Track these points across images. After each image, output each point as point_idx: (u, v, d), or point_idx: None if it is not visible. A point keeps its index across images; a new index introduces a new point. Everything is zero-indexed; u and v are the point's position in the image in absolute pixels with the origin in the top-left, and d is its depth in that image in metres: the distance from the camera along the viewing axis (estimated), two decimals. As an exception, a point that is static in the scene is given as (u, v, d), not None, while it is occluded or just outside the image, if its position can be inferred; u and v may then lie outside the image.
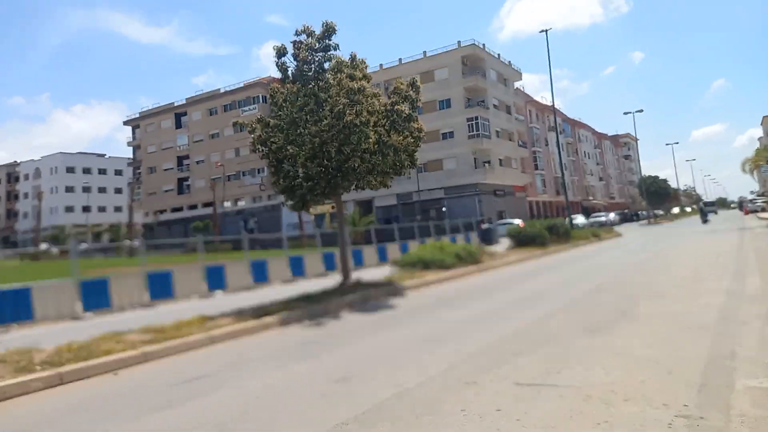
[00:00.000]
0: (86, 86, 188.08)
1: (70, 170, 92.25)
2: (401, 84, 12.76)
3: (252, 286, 15.99)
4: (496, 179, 58.49)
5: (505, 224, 48.15)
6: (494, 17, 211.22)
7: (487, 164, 57.70)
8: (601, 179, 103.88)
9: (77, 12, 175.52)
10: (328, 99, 11.72)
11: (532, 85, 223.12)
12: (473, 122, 56.75)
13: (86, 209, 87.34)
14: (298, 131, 11.86)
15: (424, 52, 59.92)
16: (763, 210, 59.21)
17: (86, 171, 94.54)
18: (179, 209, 78.13)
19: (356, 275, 13.76)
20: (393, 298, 11.48)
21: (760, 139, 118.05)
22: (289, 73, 12.15)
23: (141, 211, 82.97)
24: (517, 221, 50.13)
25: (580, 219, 53.60)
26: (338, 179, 12.01)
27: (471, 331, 7.39)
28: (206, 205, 73.87)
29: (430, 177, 57.87)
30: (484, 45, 59.50)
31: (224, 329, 8.13)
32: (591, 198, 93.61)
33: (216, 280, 15.75)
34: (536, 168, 72.25)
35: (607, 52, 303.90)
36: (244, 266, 16.73)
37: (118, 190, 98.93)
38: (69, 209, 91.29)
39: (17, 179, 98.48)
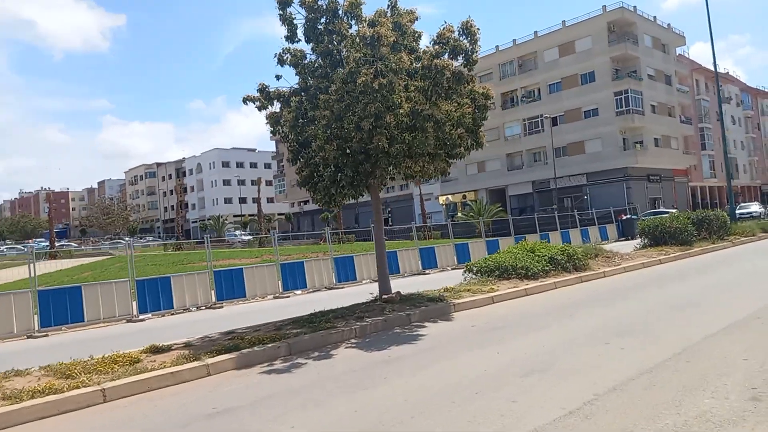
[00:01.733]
0: (252, 88, 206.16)
1: (226, 164, 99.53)
2: (449, 30, 9.33)
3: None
4: (651, 162, 50.75)
5: (655, 214, 41.35)
6: None
7: (638, 145, 50.24)
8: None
9: (246, 21, 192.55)
10: (343, 57, 8.99)
11: (705, 56, 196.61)
12: (622, 96, 49.58)
13: (242, 200, 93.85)
14: (315, 103, 9.31)
15: (563, 22, 53.73)
16: None
17: (239, 165, 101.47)
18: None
19: (422, 279, 11.05)
20: (430, 323, 8.50)
21: None
22: (299, 29, 9.52)
23: (287, 202, 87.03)
24: (673, 211, 42.77)
25: (754, 207, 44.46)
26: (366, 166, 9.23)
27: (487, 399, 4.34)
28: (341, 195, 74.88)
29: (569, 161, 51.92)
30: (635, 7, 51.68)
31: (127, 380, 5.85)
32: (776, 182, 78.70)
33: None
34: (703, 148, 61.86)
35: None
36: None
37: (269, 183, 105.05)
38: (228, 200, 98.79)
39: (184, 174, 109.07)
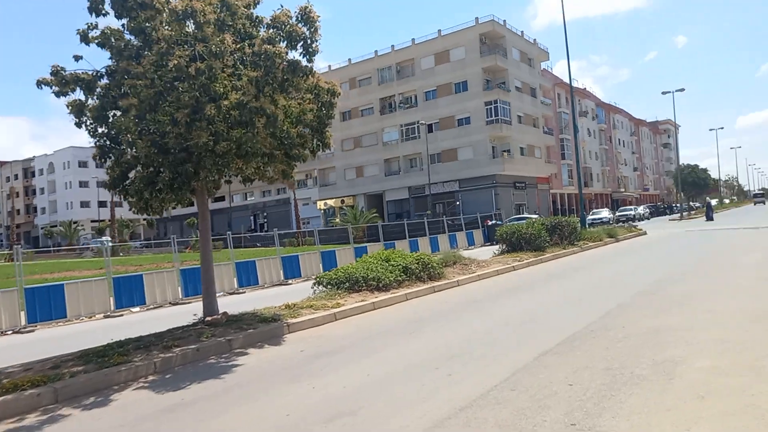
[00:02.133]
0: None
1: (83, 164, 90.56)
2: (285, 15, 8.25)
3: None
4: (517, 170, 53.55)
5: (519, 220, 43.51)
6: (528, 4, 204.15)
7: (506, 153, 52.80)
8: (635, 169, 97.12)
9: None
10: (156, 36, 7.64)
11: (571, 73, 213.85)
12: (492, 106, 51.82)
13: (102, 204, 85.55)
14: (123, 90, 7.87)
15: (439, 31, 55.19)
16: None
17: (99, 166, 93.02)
18: (191, 204, 75.50)
19: (281, 291, 9.79)
20: (254, 350, 7.40)
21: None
22: (106, 3, 8.03)
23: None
24: (534, 217, 45.32)
25: (604, 213, 48.45)
26: (188, 166, 7.94)
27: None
28: (217, 199, 70.91)
29: (443, 168, 53.34)
30: (504, 21, 54.36)
31: None
32: (623, 189, 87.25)
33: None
34: (563, 157, 66.75)
35: (649, 36, 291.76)
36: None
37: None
38: (84, 204, 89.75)
39: (33, 174, 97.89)
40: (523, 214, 54.44)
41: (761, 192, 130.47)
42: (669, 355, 5.56)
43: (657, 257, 16.95)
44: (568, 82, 67.04)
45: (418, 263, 12.13)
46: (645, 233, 27.46)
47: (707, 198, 49.99)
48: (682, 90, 45.99)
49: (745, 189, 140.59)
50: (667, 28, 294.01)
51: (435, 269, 12.31)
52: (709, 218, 40.18)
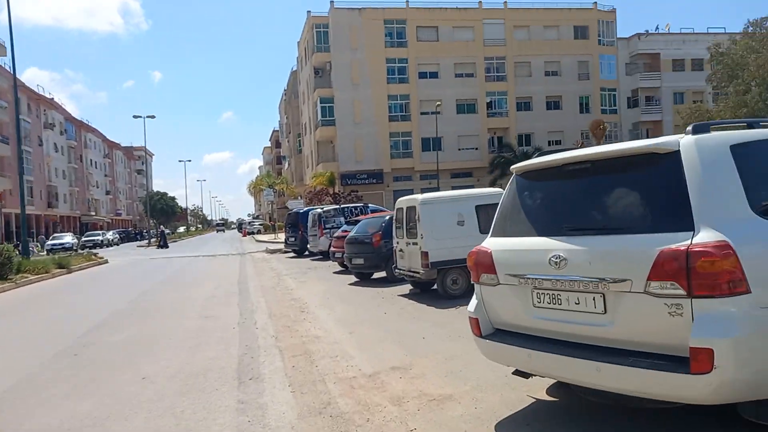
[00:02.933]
0: None
1: None
2: None
3: None
4: (-50, 180, 41.93)
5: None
6: None
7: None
8: (108, 192, 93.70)
9: None
10: None
11: (42, 83, 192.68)
12: None
13: None
14: None
15: None
16: (260, 232, 62.72)
17: None
18: None
19: None
20: None
21: (260, 167, 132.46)
22: None
23: None
24: (-27, 240, 36.18)
25: (67, 238, 43.62)
26: None
27: None
28: None
29: None
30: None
31: None
32: (93, 213, 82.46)
33: None
34: (24, 172, 56.90)
35: (128, 65, 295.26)
36: None
37: None
38: None
39: None
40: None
41: (222, 222, 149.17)
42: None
43: (110, 291, 14.90)
44: (31, 87, 58.18)
45: None
46: (106, 261, 25.07)
47: (161, 227, 51.57)
48: (153, 117, 46.63)
49: (209, 218, 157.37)
50: (144, 61, 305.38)
51: None
52: (163, 246, 40.63)
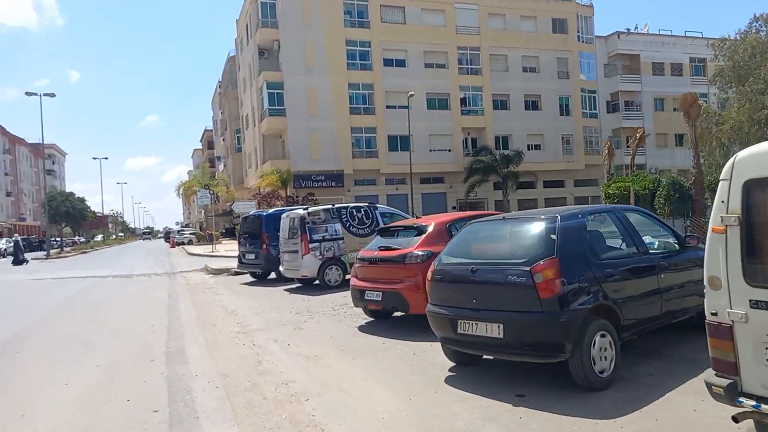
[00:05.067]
0: None
1: None
2: None
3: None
4: None
5: None
6: None
7: None
8: (9, 194, 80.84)
9: None
10: None
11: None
12: None
13: None
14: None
15: None
16: (191, 242, 53.85)
17: None
18: None
19: None
20: None
21: (189, 172, 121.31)
22: None
23: None
24: None
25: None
26: None
27: None
28: None
29: None
30: None
31: None
32: (-11, 217, 70.11)
33: None
34: None
35: (42, 62, 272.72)
36: None
37: None
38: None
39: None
40: None
41: (148, 230, 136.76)
42: None
43: None
44: None
45: None
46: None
47: (16, 235, 41.67)
48: (53, 95, 37.12)
49: (132, 226, 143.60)
50: (61, 60, 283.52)
51: None
52: (19, 261, 30.20)
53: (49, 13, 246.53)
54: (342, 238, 12.43)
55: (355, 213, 12.74)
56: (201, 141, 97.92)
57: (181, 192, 57.60)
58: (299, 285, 13.40)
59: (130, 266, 24.93)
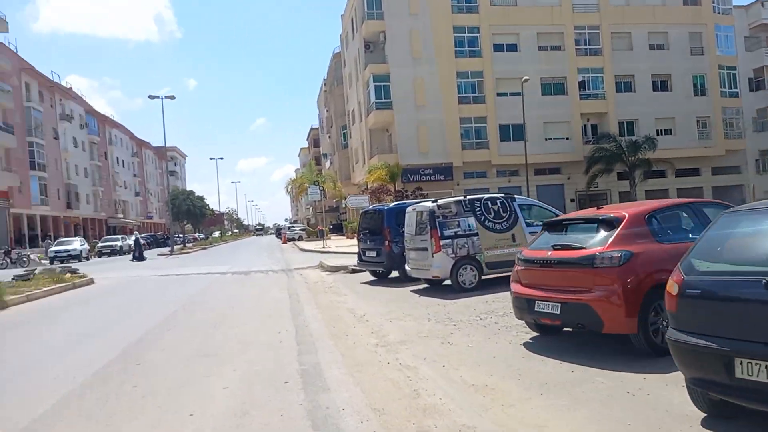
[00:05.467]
0: None
1: None
2: None
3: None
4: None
5: None
6: (28, 3, 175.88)
7: None
8: (137, 194, 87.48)
9: None
10: None
11: (82, 89, 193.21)
12: None
13: None
14: None
15: None
16: (301, 238, 54.79)
17: None
18: None
19: None
20: None
21: (296, 170, 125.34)
22: None
23: None
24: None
25: (75, 244, 36.22)
26: None
27: None
28: None
29: None
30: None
31: None
32: (121, 216, 76.12)
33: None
34: (33, 167, 50.46)
35: (163, 72, 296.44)
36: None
37: None
38: None
39: None
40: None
41: (260, 226, 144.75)
42: None
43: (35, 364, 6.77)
44: (46, 75, 51.75)
45: None
46: (90, 282, 17.12)
47: (135, 233, 43.54)
48: (173, 98, 38.89)
49: (245, 223, 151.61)
50: (179, 69, 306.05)
51: None
52: (138, 258, 31.36)
53: (169, 27, 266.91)
54: (476, 234, 10.92)
55: (490, 205, 11.18)
56: (307, 140, 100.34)
57: (289, 189, 58.85)
58: (426, 286, 12.09)
59: (247, 262, 25.08)
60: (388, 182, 34.67)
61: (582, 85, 39.91)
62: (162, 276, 19.62)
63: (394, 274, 14.04)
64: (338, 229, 59.01)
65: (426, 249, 10.93)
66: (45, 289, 13.89)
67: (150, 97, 38.34)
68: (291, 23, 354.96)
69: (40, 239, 48.40)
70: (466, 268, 10.77)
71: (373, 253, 13.81)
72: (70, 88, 60.99)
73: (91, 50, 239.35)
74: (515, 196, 11.69)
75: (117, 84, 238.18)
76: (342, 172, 56.18)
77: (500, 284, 10.60)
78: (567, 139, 39.51)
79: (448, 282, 11.03)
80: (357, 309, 9.86)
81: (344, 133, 55.00)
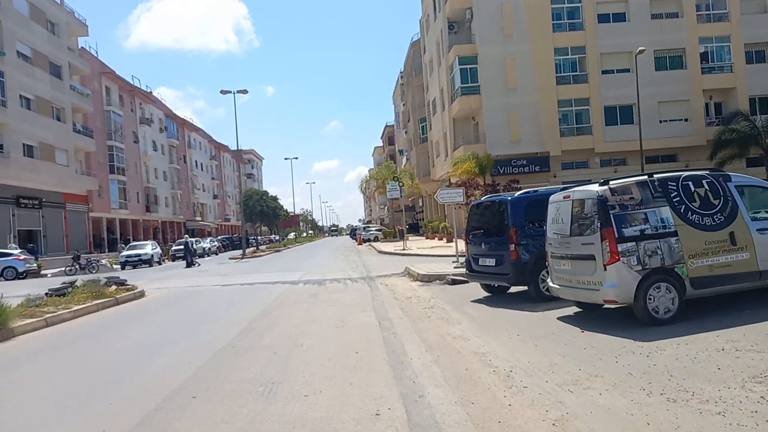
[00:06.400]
0: None
1: None
2: None
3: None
4: (20, 178, 34.97)
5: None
6: (121, 21, 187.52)
7: (-3, 150, 33.62)
8: (215, 197, 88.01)
9: None
10: None
11: (168, 99, 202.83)
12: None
13: None
14: None
15: None
16: (377, 239, 51.69)
17: None
18: None
19: None
20: None
21: (369, 170, 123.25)
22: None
23: None
24: (16, 252, 28.02)
25: (147, 249, 34.75)
26: None
27: None
28: None
29: None
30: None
31: None
32: (199, 218, 76.41)
33: None
34: (113, 171, 50.48)
35: (244, 80, 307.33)
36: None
37: None
38: None
39: None
40: (36, 243, 36.09)
41: (335, 227, 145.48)
42: None
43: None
44: (123, 77, 51.61)
45: None
46: (140, 295, 14.44)
47: (186, 236, 41.22)
48: (245, 92, 36.69)
49: (321, 224, 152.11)
50: (258, 77, 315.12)
51: None
52: (190, 263, 28.69)
53: (248, 36, 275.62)
54: (675, 233, 6.89)
55: (692, 187, 7.11)
56: (381, 138, 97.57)
57: (363, 188, 55.99)
58: (578, 310, 8.19)
59: (321, 267, 21.99)
60: (477, 175, 30.65)
61: (704, 56, 34.06)
62: (224, 286, 16.75)
63: (515, 287, 10.23)
64: (414, 229, 55.61)
65: (591, 257, 7.01)
66: (76, 308, 11.14)
67: (222, 92, 36.47)
68: (366, 21, 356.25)
69: (118, 243, 48.17)
70: (659, 287, 6.75)
71: (491, 261, 9.97)
72: (150, 93, 61.20)
73: (177, 63, 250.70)
74: (729, 173, 7.52)
75: (200, 94, 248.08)
76: (420, 167, 52.59)
77: (706, 311, 6.60)
78: (686, 120, 33.82)
79: (610, 305, 7.11)
80: (491, 354, 6.14)
81: (423, 126, 51.38)
